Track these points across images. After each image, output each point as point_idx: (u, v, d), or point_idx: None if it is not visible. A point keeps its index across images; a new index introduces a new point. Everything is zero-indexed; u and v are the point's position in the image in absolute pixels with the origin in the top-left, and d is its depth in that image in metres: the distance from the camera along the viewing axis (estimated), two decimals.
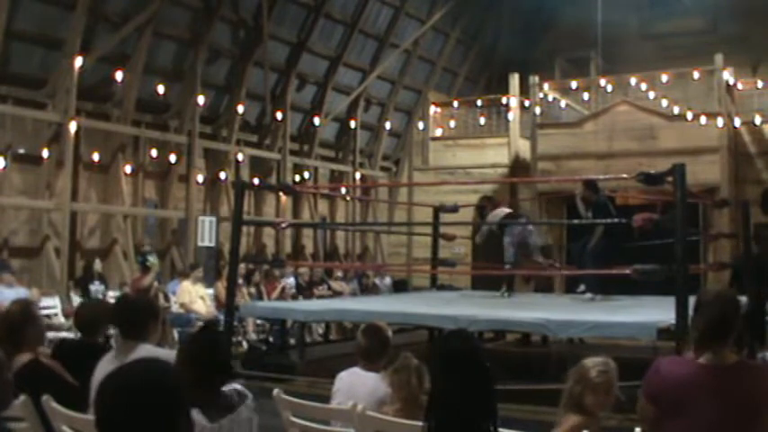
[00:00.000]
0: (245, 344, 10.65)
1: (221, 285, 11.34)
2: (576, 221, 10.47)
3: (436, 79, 18.19)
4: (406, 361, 3.78)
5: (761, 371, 3.07)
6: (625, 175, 8.51)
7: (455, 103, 17.58)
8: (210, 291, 11.49)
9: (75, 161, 11.26)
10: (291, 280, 12.86)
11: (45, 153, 11.05)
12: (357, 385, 4.05)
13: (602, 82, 15.10)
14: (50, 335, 7.77)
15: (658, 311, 6.81)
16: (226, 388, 3.10)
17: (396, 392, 3.74)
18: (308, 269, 14.06)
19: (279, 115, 14.54)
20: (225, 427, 2.85)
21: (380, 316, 7.48)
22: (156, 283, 10.97)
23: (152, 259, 11.34)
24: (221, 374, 3.08)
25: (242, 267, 11.28)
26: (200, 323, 10.70)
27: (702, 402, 2.87)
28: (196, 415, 2.56)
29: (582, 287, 9.35)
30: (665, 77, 14.52)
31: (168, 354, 3.68)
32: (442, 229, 11.56)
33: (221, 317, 9.86)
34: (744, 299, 8.49)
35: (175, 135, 12.94)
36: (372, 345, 4.19)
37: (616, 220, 8.33)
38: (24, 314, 3.94)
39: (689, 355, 3.00)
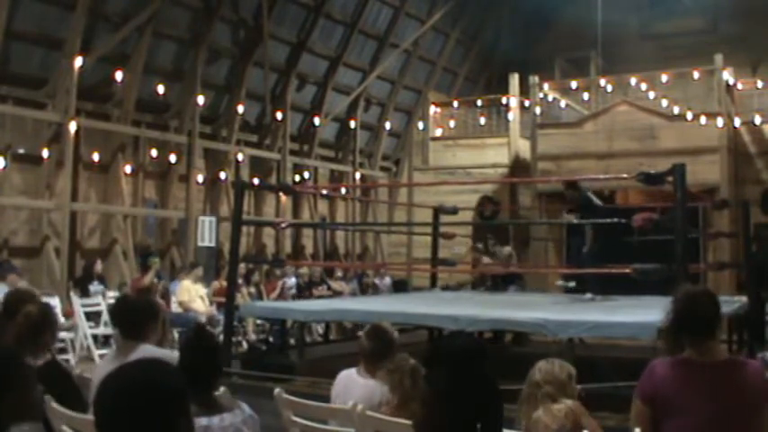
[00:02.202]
0: (245, 344, 10.65)
1: (218, 284, 11.37)
2: (575, 221, 10.48)
3: (436, 79, 18.18)
4: (401, 362, 3.78)
5: (752, 367, 3.07)
6: (625, 175, 8.53)
7: (455, 103, 17.57)
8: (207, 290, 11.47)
9: (75, 161, 11.26)
10: (292, 280, 12.86)
11: (45, 153, 11.05)
12: (352, 393, 4.01)
13: (602, 82, 15.10)
14: None
15: (658, 311, 6.79)
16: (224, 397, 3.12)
17: (391, 393, 3.75)
18: (308, 269, 14.07)
19: (279, 115, 14.54)
20: (214, 425, 2.85)
21: (380, 316, 7.47)
22: (156, 280, 10.96)
23: (152, 258, 11.36)
24: (215, 376, 3.10)
25: (242, 267, 11.27)
26: (202, 320, 10.69)
27: (696, 401, 2.88)
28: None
29: (572, 283, 9.40)
30: (665, 77, 14.52)
31: (168, 354, 3.68)
32: (442, 229, 11.57)
33: (220, 316, 9.86)
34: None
35: (175, 135, 12.94)
36: (377, 346, 4.13)
37: (607, 219, 8.37)
38: (44, 316, 4.00)
39: (684, 355, 3.01)
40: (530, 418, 3.21)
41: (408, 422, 3.43)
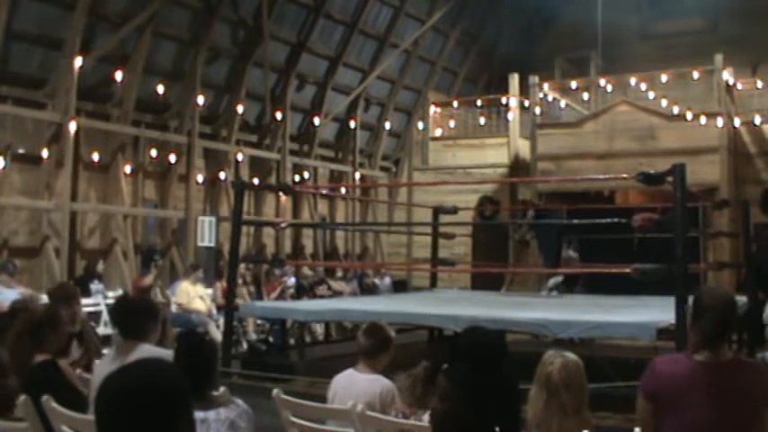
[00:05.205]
0: (245, 344, 10.65)
1: (220, 286, 11.34)
2: (576, 221, 10.50)
3: (436, 79, 18.18)
4: (417, 370, 3.87)
5: (756, 367, 3.08)
6: (625, 175, 8.53)
7: (455, 103, 17.56)
8: (210, 291, 11.47)
9: (75, 161, 11.26)
10: (292, 280, 12.86)
11: (45, 153, 11.04)
12: (355, 388, 4.06)
13: (602, 82, 15.08)
14: None
15: (658, 311, 6.81)
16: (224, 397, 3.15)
17: (403, 394, 3.84)
18: (308, 269, 14.07)
19: (279, 115, 14.53)
20: (210, 418, 2.91)
21: (380, 316, 7.48)
22: (158, 282, 10.96)
23: (156, 256, 11.37)
24: (211, 376, 3.13)
25: (242, 267, 11.26)
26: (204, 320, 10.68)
27: (698, 399, 2.88)
28: None
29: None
30: (664, 77, 14.50)
31: (168, 353, 3.69)
32: (442, 229, 11.57)
33: (220, 317, 9.85)
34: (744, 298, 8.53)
35: (175, 135, 12.94)
36: (373, 343, 4.23)
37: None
38: (48, 316, 4.02)
39: (687, 353, 3.02)
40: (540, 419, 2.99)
41: (410, 422, 3.46)
